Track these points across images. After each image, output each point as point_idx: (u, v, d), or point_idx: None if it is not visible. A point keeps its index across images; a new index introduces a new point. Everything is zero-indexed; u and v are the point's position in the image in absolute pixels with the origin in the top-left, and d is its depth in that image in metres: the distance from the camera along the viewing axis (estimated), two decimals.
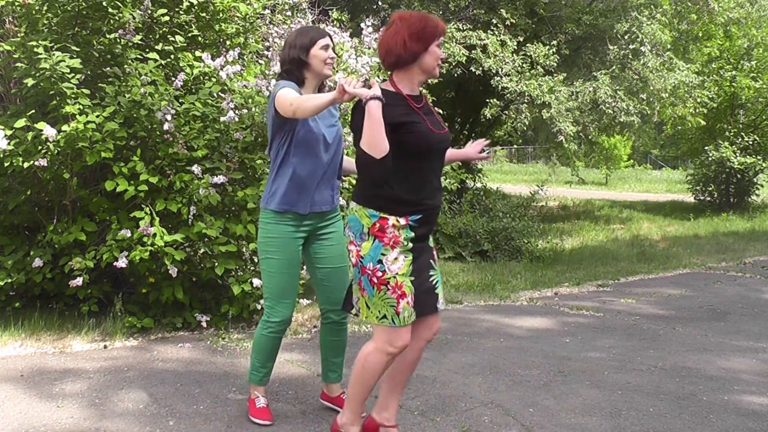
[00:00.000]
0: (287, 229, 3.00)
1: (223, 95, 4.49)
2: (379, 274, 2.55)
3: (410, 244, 2.61)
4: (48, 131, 3.99)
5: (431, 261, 2.76)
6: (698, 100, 12.32)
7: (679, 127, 15.82)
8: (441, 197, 2.75)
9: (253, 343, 3.17)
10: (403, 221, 2.57)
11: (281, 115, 2.84)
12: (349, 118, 2.66)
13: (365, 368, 2.67)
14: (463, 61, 10.09)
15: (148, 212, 4.27)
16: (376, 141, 2.40)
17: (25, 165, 4.11)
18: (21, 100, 4.48)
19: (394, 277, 2.55)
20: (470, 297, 6.18)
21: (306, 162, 2.96)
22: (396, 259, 2.56)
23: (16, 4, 4.30)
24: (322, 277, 3.13)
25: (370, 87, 2.45)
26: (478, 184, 13.27)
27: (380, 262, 2.54)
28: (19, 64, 4.19)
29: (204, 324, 4.61)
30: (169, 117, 4.22)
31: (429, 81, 9.94)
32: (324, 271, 3.12)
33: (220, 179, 4.24)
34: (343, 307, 2.86)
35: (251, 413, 3.15)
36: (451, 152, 2.95)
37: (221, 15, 4.89)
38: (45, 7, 4.35)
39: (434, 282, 2.76)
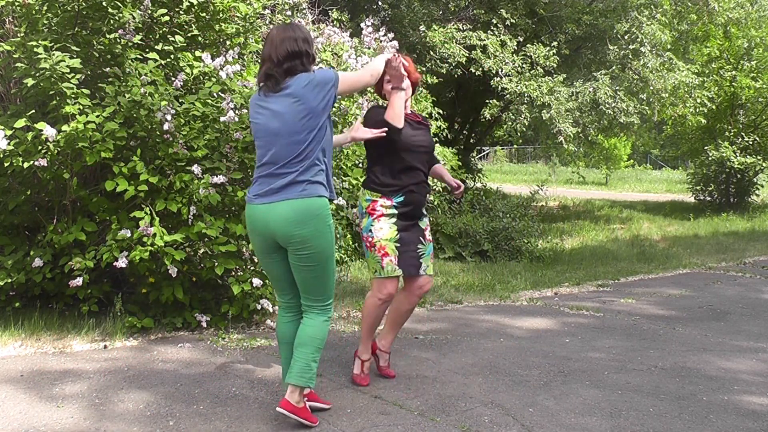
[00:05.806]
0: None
1: (223, 95, 4.49)
2: (370, 239, 3.50)
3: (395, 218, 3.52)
4: (48, 131, 3.98)
5: (420, 237, 3.59)
6: (698, 100, 12.32)
7: (679, 128, 15.81)
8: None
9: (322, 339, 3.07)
10: (388, 202, 3.50)
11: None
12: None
13: (366, 310, 3.62)
14: (463, 62, 10.09)
15: (148, 212, 4.27)
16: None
17: (25, 165, 4.11)
18: (21, 100, 4.48)
19: (379, 241, 3.48)
20: (470, 297, 6.18)
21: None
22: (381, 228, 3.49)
23: (16, 4, 4.30)
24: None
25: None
26: (478, 184, 13.27)
27: (370, 231, 3.50)
28: (19, 64, 4.19)
29: (204, 324, 4.61)
30: (169, 117, 4.22)
31: (429, 81, 9.88)
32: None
33: (220, 179, 4.24)
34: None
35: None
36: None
37: (221, 15, 4.89)
38: (45, 7, 4.34)
39: (420, 253, 3.59)
